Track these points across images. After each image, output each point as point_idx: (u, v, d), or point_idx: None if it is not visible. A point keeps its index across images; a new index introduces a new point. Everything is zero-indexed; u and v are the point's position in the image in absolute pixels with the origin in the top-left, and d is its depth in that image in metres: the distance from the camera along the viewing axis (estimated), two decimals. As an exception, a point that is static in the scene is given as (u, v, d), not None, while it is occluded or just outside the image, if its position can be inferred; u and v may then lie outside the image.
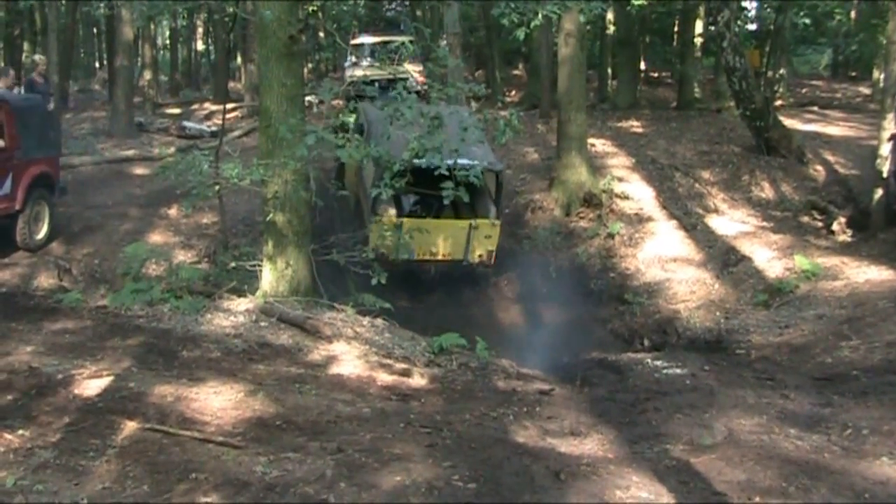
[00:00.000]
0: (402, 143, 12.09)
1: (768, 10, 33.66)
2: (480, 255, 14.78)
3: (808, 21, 31.98)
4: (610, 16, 28.45)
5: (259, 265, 12.02)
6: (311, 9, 14.12)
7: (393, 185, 11.11)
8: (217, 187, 12.51)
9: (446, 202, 12.25)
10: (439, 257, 14.80)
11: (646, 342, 13.57)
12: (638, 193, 17.91)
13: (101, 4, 30.00)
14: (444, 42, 20.10)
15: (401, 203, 15.01)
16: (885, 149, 15.26)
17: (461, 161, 12.63)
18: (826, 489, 6.09)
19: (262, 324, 10.80)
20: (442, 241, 14.62)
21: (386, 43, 25.93)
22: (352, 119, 15.77)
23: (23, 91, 17.79)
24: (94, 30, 56.84)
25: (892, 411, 7.67)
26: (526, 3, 12.70)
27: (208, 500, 5.72)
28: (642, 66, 34.07)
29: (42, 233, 15.27)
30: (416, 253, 14.42)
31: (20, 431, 6.78)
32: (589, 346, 13.29)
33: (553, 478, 6.38)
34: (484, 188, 14.58)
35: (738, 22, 21.30)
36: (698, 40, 28.17)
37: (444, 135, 11.52)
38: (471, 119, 13.39)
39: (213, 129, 25.41)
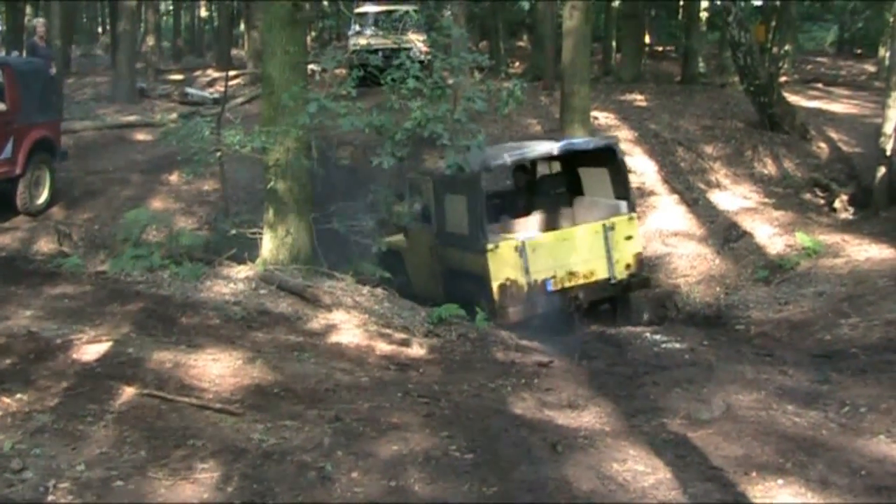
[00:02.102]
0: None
1: (775, -15, 33.51)
2: (628, 265, 12.01)
3: (814, -3, 31.87)
4: (616, -12, 28.37)
5: (259, 233, 12.01)
6: (315, -24, 14.00)
7: (394, 154, 11.05)
8: (218, 154, 12.49)
9: None
10: (581, 280, 11.78)
11: (645, 316, 13.55)
12: (640, 167, 17.87)
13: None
14: (449, 12, 20.01)
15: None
16: (889, 127, 15.20)
17: (569, 141, 12.30)
18: (823, 465, 6.08)
19: (262, 291, 10.81)
20: (577, 256, 11.79)
21: (390, 12, 25.79)
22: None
23: (24, 55, 17.76)
24: (98, -6, 56.62)
25: (891, 389, 7.65)
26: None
27: (205, 466, 5.73)
28: (647, 39, 33.90)
29: (43, 197, 15.26)
30: (552, 283, 11.63)
31: (18, 395, 6.79)
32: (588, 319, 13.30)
33: (550, 449, 6.38)
34: (596, 178, 12.66)
35: (745, -4, 21.21)
36: (704, 14, 28.03)
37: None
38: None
39: (216, 95, 25.34)
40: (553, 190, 13.00)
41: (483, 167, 11.37)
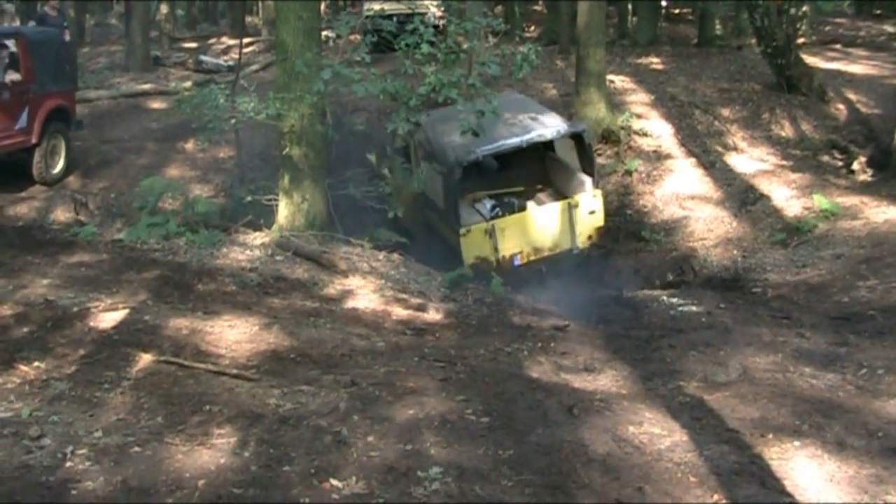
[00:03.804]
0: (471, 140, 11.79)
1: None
2: (590, 237, 12.93)
3: (833, -44, 31.51)
4: (631, -50, 28.10)
5: (275, 199, 12.03)
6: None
7: (409, 119, 11.02)
8: (233, 121, 12.48)
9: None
10: (545, 253, 12.75)
11: (658, 280, 13.55)
12: (657, 130, 17.79)
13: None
14: (463, -24, 19.90)
15: (478, 213, 13.19)
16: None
17: (539, 132, 12.50)
18: (840, 427, 6.08)
19: (278, 258, 10.83)
20: (543, 233, 12.68)
21: (404, -23, 25.67)
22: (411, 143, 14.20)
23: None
24: (111, -38, 56.43)
25: (908, 351, 7.65)
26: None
27: (222, 431, 5.75)
28: (663, 2, 33.60)
29: (58, 167, 15.26)
30: (519, 258, 12.55)
31: (36, 363, 6.83)
32: (605, 283, 13.30)
33: (566, 412, 6.39)
34: (564, 160, 13.62)
35: (762, -43, 20.93)
36: (720, -24, 27.77)
37: (516, 122, 11.40)
38: (532, 103, 13.07)
39: (230, 63, 25.28)
40: (529, 164, 13.94)
41: (457, 163, 11.84)
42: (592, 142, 13.48)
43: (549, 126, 12.65)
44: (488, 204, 13.30)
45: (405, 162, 13.86)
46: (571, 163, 13.42)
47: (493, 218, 12.76)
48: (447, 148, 12.19)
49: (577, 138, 13.06)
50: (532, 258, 12.64)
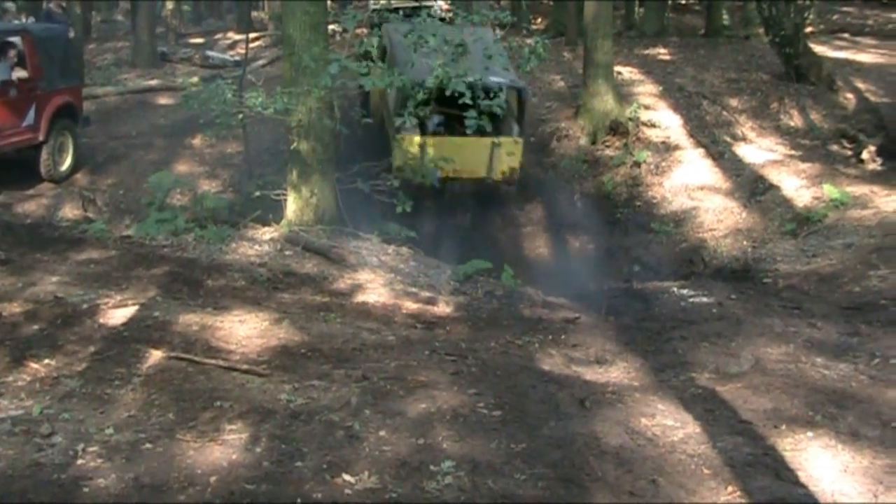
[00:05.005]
0: (425, 68, 11.83)
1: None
2: (503, 172, 14.78)
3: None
4: (638, -60, 28.03)
5: (284, 194, 12.00)
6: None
7: (417, 114, 11.02)
8: (241, 116, 12.46)
9: (469, 131, 12.54)
10: (463, 175, 14.71)
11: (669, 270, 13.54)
12: (665, 121, 17.74)
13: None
14: (469, -32, 19.85)
15: (424, 124, 14.62)
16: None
17: (486, 81, 12.46)
18: (853, 417, 6.06)
19: (287, 252, 10.81)
20: (465, 158, 14.47)
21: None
22: (375, 44, 15.35)
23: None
24: (117, -41, 56.37)
25: (921, 340, 7.62)
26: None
27: (233, 427, 5.74)
28: (670, -8, 33.52)
29: (66, 164, 15.28)
30: (440, 172, 14.26)
31: (46, 361, 6.81)
32: (615, 274, 13.27)
33: (578, 405, 6.38)
34: (506, 108, 14.25)
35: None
36: (727, -34, 27.68)
37: (469, 62, 11.35)
38: (496, 46, 13.14)
39: (237, 58, 25.35)
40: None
41: (413, 85, 12.44)
42: (528, 98, 15.47)
43: (497, 78, 13.63)
44: (436, 119, 14.82)
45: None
46: (510, 108, 14.71)
47: (430, 134, 14.69)
48: (406, 65, 12.62)
49: (518, 94, 14.78)
50: (451, 176, 14.55)
